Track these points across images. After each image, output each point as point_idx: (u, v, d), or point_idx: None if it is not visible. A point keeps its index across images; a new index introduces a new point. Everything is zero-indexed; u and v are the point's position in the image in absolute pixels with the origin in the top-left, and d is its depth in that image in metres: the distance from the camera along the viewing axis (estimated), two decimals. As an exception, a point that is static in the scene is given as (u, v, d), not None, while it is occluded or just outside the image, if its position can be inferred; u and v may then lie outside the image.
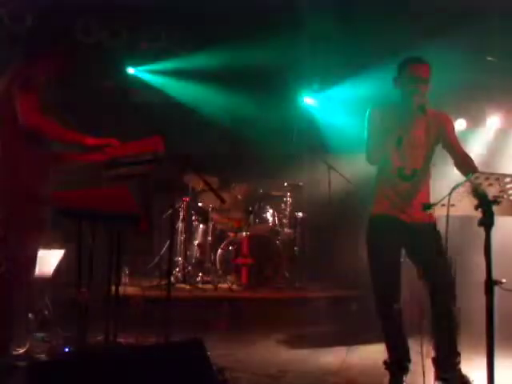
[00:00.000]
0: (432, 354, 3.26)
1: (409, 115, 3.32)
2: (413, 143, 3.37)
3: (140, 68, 7.71)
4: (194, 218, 6.82)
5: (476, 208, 2.44)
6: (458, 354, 3.25)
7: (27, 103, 3.12)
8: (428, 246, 3.30)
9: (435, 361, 3.24)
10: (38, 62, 3.36)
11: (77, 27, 6.72)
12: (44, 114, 3.19)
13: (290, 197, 7.07)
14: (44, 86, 3.37)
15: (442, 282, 3.24)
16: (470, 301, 3.78)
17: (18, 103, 3.13)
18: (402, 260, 3.50)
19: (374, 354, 3.94)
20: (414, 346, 3.44)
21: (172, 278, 5.97)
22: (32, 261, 3.26)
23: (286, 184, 7.08)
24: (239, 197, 6.96)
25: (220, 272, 6.35)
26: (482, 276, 2.37)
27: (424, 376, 2.88)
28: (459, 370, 3.23)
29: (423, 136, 3.39)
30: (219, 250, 6.43)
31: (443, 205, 2.49)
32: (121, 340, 3.64)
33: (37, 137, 3.20)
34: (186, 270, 6.47)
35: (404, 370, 3.36)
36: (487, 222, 2.39)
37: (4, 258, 3.15)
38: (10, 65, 3.35)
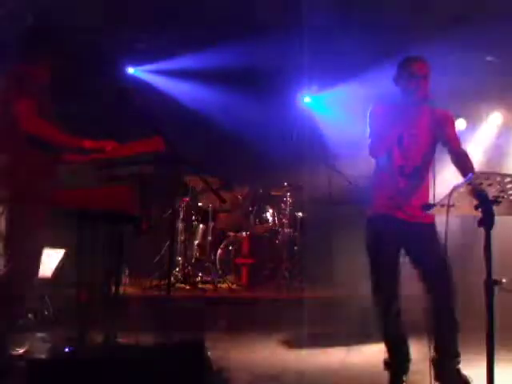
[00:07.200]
0: (431, 354, 3.26)
1: (410, 113, 3.33)
2: (414, 141, 3.37)
3: (140, 68, 7.72)
4: (194, 217, 6.82)
5: (476, 208, 2.44)
6: (458, 355, 3.25)
7: (25, 109, 3.11)
8: (427, 246, 3.29)
9: (434, 361, 3.23)
10: (37, 64, 3.34)
11: (76, 27, 6.71)
12: (42, 118, 3.18)
13: (290, 197, 7.07)
14: (43, 88, 3.36)
15: (441, 283, 3.23)
16: (470, 301, 3.78)
17: (16, 109, 3.12)
18: (401, 260, 3.50)
19: (374, 353, 3.93)
20: (413, 346, 3.45)
21: (172, 278, 5.97)
22: (35, 261, 3.25)
23: (285, 184, 7.08)
24: (239, 197, 6.96)
25: (220, 272, 6.35)
26: (482, 276, 2.37)
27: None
28: (459, 370, 3.23)
29: (424, 134, 3.39)
30: (219, 250, 6.44)
31: (443, 205, 2.49)
32: (121, 340, 3.64)
33: (36, 138, 3.20)
34: (186, 270, 6.46)
35: (404, 370, 3.36)
36: (487, 222, 2.39)
37: (8, 258, 3.15)
38: (9, 66, 3.33)
